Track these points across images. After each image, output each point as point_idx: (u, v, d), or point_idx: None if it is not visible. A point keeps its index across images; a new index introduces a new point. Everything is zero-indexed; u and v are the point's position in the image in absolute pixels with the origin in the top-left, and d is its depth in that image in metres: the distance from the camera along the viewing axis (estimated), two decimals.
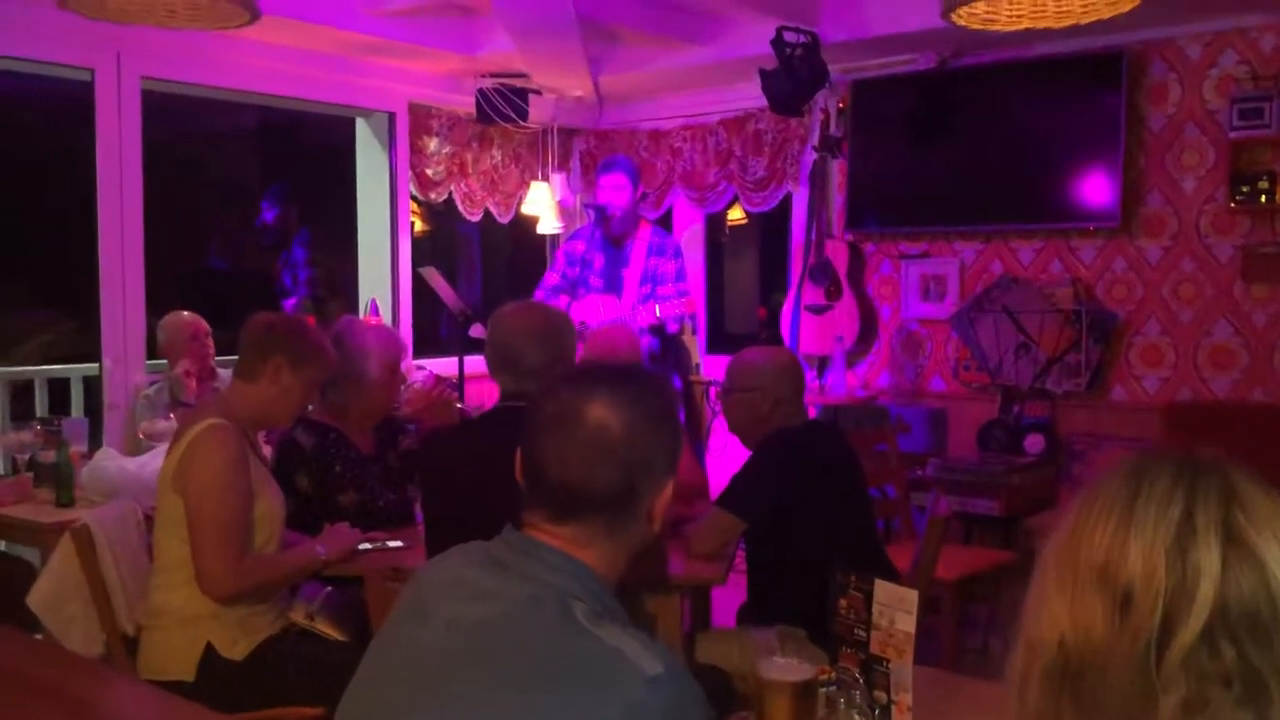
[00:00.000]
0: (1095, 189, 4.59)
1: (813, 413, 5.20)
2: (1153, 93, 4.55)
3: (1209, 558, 0.87)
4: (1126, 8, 2.73)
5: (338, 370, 3.23)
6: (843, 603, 1.80)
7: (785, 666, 1.66)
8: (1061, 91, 4.65)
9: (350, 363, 3.18)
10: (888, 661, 1.74)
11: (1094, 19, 2.82)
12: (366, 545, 2.86)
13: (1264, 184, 4.21)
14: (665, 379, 1.44)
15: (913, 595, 1.70)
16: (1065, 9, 2.80)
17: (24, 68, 4.28)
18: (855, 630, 1.78)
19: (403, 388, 3.64)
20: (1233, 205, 4.29)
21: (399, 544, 2.89)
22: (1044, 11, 2.81)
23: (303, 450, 3.14)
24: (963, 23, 2.85)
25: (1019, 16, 2.84)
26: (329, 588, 2.87)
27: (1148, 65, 4.55)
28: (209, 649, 2.57)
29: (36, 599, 2.78)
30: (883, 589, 1.74)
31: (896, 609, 1.72)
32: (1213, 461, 0.93)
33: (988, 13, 2.78)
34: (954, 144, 4.96)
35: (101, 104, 4.31)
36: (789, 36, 4.56)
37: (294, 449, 3.14)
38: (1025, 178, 4.81)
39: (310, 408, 3.18)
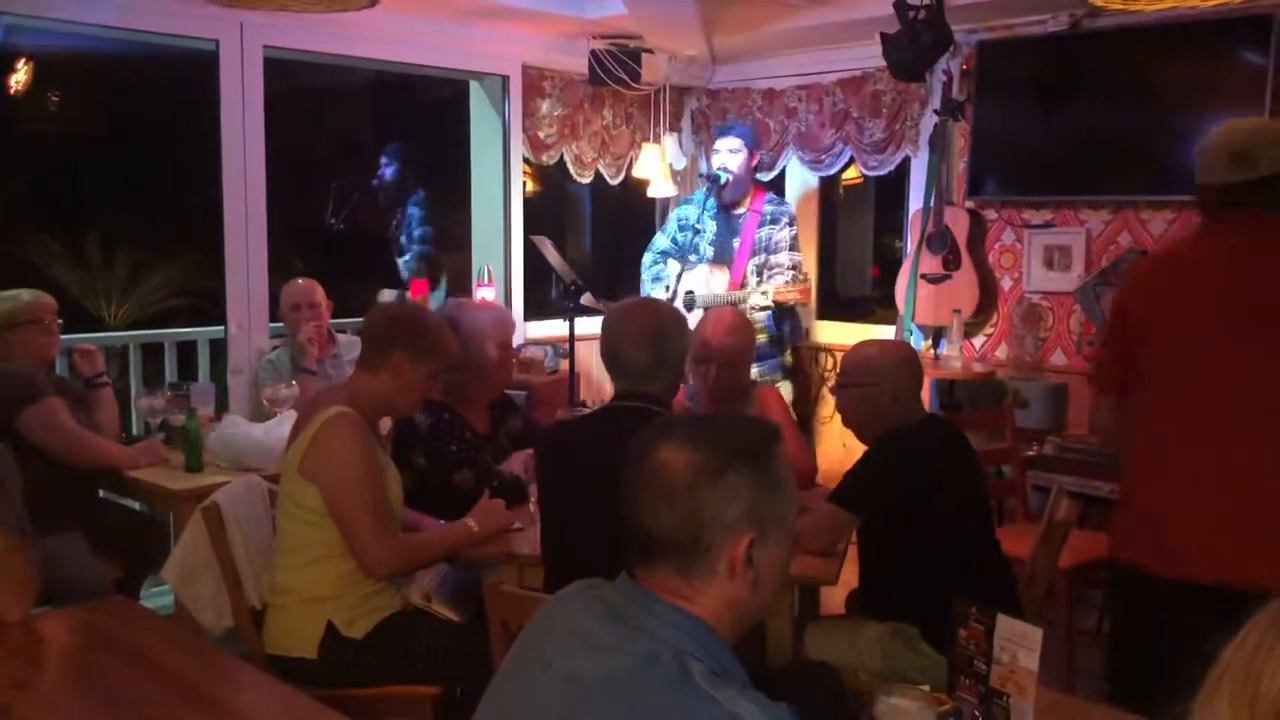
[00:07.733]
0: None
1: (929, 384, 5.09)
2: None
3: None
4: None
5: (456, 357, 3.29)
6: (962, 633, 1.77)
7: (902, 710, 1.64)
8: (1202, 56, 4.39)
9: (467, 347, 3.24)
10: (1008, 697, 1.70)
11: None
12: (518, 525, 2.90)
13: None
14: (763, 435, 1.33)
15: (1037, 633, 1.66)
16: None
17: (151, 38, 4.37)
18: (975, 662, 1.75)
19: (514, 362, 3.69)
20: None
21: (518, 526, 2.93)
22: None
23: (419, 430, 3.22)
24: (1101, 3, 2.72)
25: None
26: (446, 568, 2.94)
27: None
28: (330, 628, 2.65)
29: (170, 573, 2.91)
30: (1005, 624, 1.70)
31: (1019, 645, 1.68)
32: None
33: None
34: (1084, 109, 4.74)
35: (226, 75, 4.38)
36: None
37: (410, 428, 3.23)
38: (1159, 145, 4.56)
39: None
